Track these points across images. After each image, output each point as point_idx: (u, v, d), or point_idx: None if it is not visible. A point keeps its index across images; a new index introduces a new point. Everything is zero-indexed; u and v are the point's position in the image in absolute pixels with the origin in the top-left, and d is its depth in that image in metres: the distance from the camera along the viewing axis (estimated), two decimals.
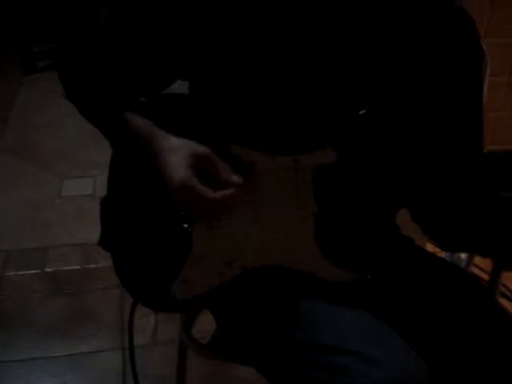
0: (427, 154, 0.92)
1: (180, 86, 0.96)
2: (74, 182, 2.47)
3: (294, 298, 0.92)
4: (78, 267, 2.03)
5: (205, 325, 1.14)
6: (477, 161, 0.96)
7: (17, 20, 3.31)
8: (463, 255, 1.54)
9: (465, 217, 0.93)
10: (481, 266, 1.71)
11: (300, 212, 0.90)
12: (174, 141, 0.87)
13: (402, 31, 0.89)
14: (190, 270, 0.94)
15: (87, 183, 2.42)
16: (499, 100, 1.98)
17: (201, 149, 0.86)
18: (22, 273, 2.00)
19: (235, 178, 0.86)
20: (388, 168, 0.91)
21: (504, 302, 1.92)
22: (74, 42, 0.97)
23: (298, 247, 0.91)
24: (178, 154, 0.85)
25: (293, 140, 0.89)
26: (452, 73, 0.93)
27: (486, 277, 1.65)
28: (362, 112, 0.87)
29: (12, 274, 1.99)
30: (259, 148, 0.88)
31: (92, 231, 2.00)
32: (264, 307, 0.94)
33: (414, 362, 0.83)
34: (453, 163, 0.92)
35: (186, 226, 0.92)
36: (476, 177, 0.92)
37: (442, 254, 1.75)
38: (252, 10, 0.88)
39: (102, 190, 2.27)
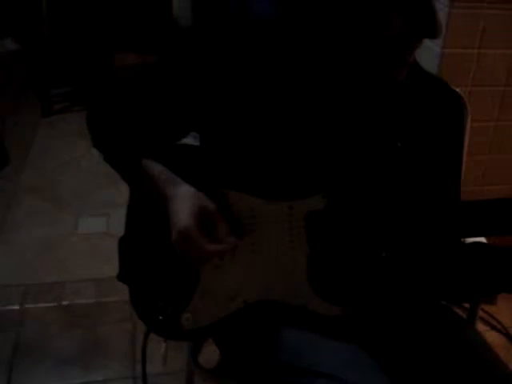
0: (410, 200, 0.99)
1: (192, 138, 1.06)
2: (89, 220, 2.52)
3: (285, 329, 0.99)
4: (93, 301, 2.08)
5: (210, 354, 1.20)
6: (452, 210, 1.01)
7: (37, 63, 3.40)
8: None
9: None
10: None
11: (293, 253, 0.97)
12: (186, 189, 0.94)
13: (387, 95, 0.99)
14: (197, 302, 1.01)
15: (101, 221, 2.47)
16: (487, 144, 2.05)
17: (208, 203, 0.94)
18: (40, 306, 2.05)
19: (230, 239, 0.94)
20: (374, 212, 0.97)
21: (494, 334, 2.00)
22: (102, 99, 1.06)
23: (291, 285, 0.98)
24: (187, 203, 0.92)
25: (287, 187, 0.96)
26: (436, 135, 1.02)
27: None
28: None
29: (31, 306, 2.05)
30: (257, 194, 0.96)
31: (106, 267, 2.11)
32: (260, 336, 1.01)
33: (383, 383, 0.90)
34: (431, 214, 0.98)
35: None
36: (450, 224, 0.97)
37: None
38: (254, 79, 0.97)
39: (115, 228, 2.35)
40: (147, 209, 1.04)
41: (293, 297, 0.99)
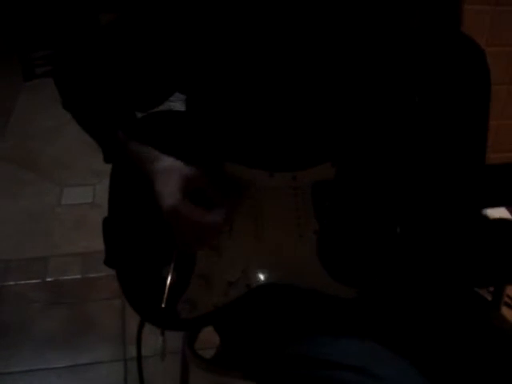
0: (429, 168, 0.91)
1: (177, 102, 0.96)
2: (74, 190, 2.48)
3: (296, 315, 0.92)
4: (79, 276, 2.03)
5: (207, 336, 1.14)
6: (477, 175, 0.94)
7: (17, 26, 3.34)
8: None
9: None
10: None
11: (301, 230, 0.89)
12: (166, 163, 0.87)
13: (402, 45, 0.89)
14: (194, 289, 0.94)
15: (87, 191, 2.43)
16: (499, 109, 1.99)
17: (193, 172, 0.86)
18: (22, 282, 2.00)
19: (229, 201, 0.86)
20: (389, 181, 0.90)
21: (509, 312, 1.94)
22: (71, 50, 0.95)
23: (300, 265, 0.91)
24: (169, 178, 0.85)
25: (290, 156, 0.88)
26: (459, 91, 0.93)
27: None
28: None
29: (12, 283, 1.99)
30: (257, 165, 0.88)
31: (93, 240, 2.03)
32: (267, 325, 0.94)
33: (417, 377, 0.82)
34: (453, 180, 0.91)
35: None
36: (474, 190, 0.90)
37: None
38: (250, 25, 0.87)
39: (102, 199, 2.27)
40: (131, 185, 0.96)
41: (302, 278, 0.92)
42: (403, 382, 0.80)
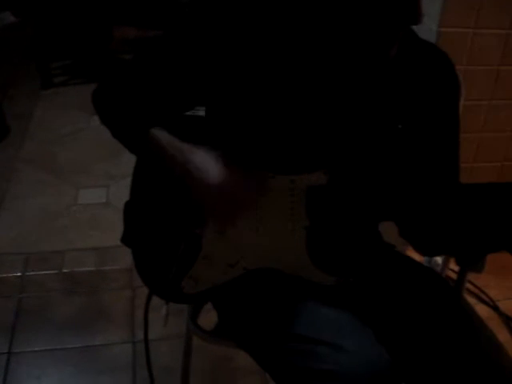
0: (409, 176, 1.02)
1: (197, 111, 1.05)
2: (89, 191, 2.54)
3: (282, 297, 1.03)
4: (93, 269, 2.11)
5: (208, 318, 1.25)
6: (454, 180, 1.07)
7: (36, 36, 3.40)
8: (440, 260, 1.62)
9: (445, 227, 1.00)
10: (455, 270, 1.80)
11: (293, 224, 1.00)
12: (204, 148, 0.96)
13: (381, 72, 0.99)
14: (198, 268, 1.04)
15: (101, 193, 2.48)
16: (480, 122, 2.07)
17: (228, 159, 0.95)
18: (42, 273, 2.09)
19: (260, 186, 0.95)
20: (374, 189, 0.99)
21: (482, 307, 2.02)
22: (107, 77, 1.07)
23: (291, 254, 1.02)
24: (211, 157, 0.95)
25: (290, 162, 0.99)
26: (431, 106, 1.03)
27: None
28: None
29: (32, 273, 2.09)
30: (262, 168, 0.98)
31: (106, 236, 2.15)
32: (257, 303, 1.05)
33: (378, 351, 0.94)
34: (433, 182, 1.02)
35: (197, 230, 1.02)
36: (453, 192, 0.99)
37: (420, 258, 1.83)
38: (257, 55, 0.97)
39: (114, 199, 2.38)
40: (153, 175, 1.06)
41: (291, 266, 1.03)
42: (364, 353, 0.92)
